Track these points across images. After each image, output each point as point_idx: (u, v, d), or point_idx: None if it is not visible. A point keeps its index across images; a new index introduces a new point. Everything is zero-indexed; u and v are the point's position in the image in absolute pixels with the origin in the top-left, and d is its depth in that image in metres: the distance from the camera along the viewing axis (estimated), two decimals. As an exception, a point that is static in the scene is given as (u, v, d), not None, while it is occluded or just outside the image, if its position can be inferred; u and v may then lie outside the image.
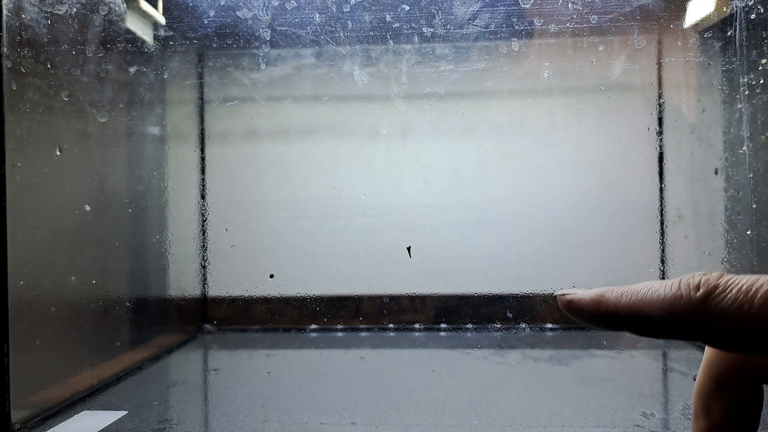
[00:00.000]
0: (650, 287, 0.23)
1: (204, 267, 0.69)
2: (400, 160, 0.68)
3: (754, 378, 0.23)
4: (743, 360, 0.23)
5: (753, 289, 0.20)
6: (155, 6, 0.63)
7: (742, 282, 0.21)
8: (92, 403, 0.49)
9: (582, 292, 0.25)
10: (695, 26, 0.61)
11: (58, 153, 0.50)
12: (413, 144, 0.67)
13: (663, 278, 0.64)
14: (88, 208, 0.54)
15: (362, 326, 0.71)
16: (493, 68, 0.61)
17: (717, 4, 0.58)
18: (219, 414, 0.46)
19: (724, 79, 0.60)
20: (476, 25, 0.58)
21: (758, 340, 0.20)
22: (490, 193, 0.69)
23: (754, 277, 0.21)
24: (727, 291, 0.21)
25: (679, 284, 0.22)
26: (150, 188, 0.66)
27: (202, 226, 0.68)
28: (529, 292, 0.64)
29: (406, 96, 0.62)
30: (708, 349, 0.24)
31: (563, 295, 0.26)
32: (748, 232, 0.55)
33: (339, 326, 0.72)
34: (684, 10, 0.61)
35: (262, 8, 0.59)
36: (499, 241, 0.69)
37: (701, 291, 0.21)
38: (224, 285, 0.68)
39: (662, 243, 0.65)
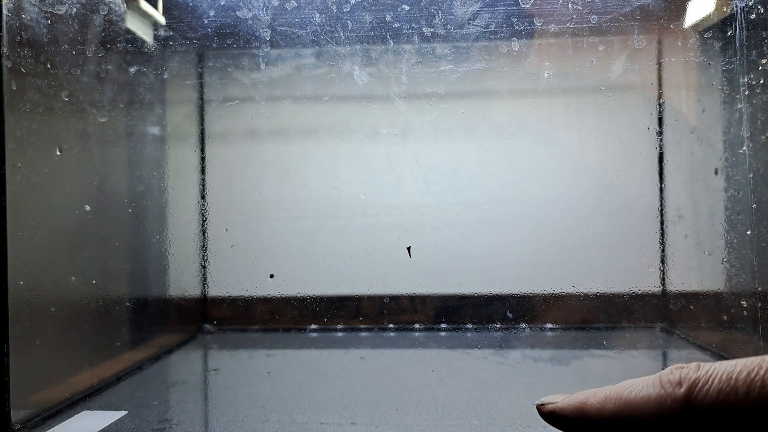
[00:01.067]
0: (632, 388, 0.23)
1: (204, 267, 0.69)
2: (400, 160, 0.68)
3: None
4: None
5: (734, 378, 0.20)
6: (155, 6, 0.63)
7: (721, 371, 0.21)
8: (92, 403, 0.49)
9: (562, 401, 0.25)
10: (695, 26, 0.61)
11: (58, 153, 0.50)
12: (413, 144, 0.67)
13: (663, 279, 0.64)
14: (88, 208, 0.54)
15: (362, 326, 0.71)
16: (493, 68, 0.61)
17: (717, 4, 0.58)
18: (219, 414, 0.46)
19: (724, 79, 0.60)
20: (476, 25, 0.58)
21: (750, 427, 0.20)
22: (490, 193, 0.69)
23: (729, 363, 0.21)
24: (709, 383, 0.21)
25: (660, 382, 0.22)
26: (150, 188, 0.66)
27: (202, 226, 0.68)
28: (529, 292, 0.64)
29: (406, 96, 0.62)
30: None
31: (543, 404, 0.25)
32: (748, 232, 0.55)
33: (339, 326, 0.72)
34: (684, 10, 0.61)
35: (262, 8, 0.59)
36: (499, 241, 0.69)
37: (684, 387, 0.21)
38: (224, 285, 0.68)
39: (662, 243, 0.65)
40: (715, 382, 0.21)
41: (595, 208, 0.66)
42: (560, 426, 0.25)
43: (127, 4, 0.59)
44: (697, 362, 0.22)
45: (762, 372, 0.20)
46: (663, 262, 0.64)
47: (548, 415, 0.25)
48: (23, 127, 0.45)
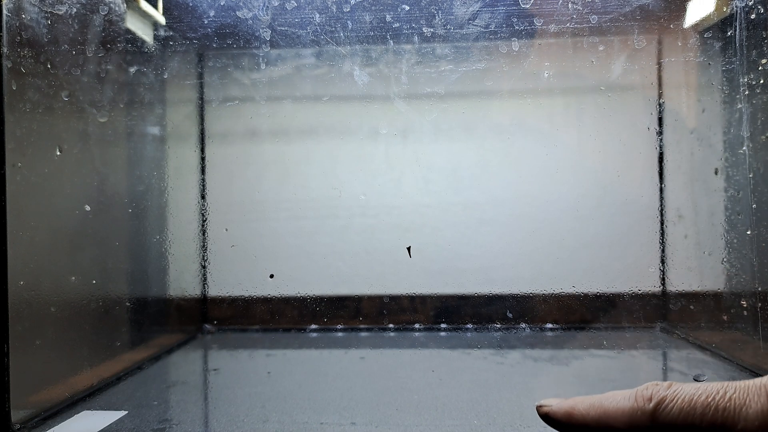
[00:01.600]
0: (613, 399, 0.26)
1: (204, 267, 0.69)
2: (400, 160, 0.68)
3: None
4: None
5: (694, 400, 0.23)
6: (155, 6, 0.63)
7: (686, 392, 0.23)
8: (92, 403, 0.49)
9: (556, 404, 0.28)
10: (695, 26, 0.61)
11: (58, 153, 0.50)
12: (413, 144, 0.67)
13: (663, 279, 0.64)
14: (88, 208, 0.54)
15: (362, 326, 0.71)
16: (493, 68, 0.61)
17: (717, 4, 0.58)
18: (219, 414, 0.46)
19: (724, 79, 0.60)
20: (476, 25, 0.58)
21: None
22: (490, 193, 0.69)
23: (694, 386, 0.23)
24: (674, 401, 0.23)
25: (635, 396, 0.24)
26: (150, 188, 0.66)
27: (202, 226, 0.68)
28: (529, 292, 0.64)
29: (406, 96, 0.62)
30: None
31: (541, 406, 0.29)
32: (748, 232, 0.55)
33: (339, 326, 0.72)
34: (684, 10, 0.61)
35: (262, 8, 0.59)
36: (499, 241, 0.69)
37: (652, 403, 0.24)
38: (224, 285, 0.68)
39: (662, 243, 0.65)
40: (678, 402, 0.23)
41: (595, 208, 0.66)
42: (554, 426, 0.28)
43: (127, 4, 0.59)
44: (671, 381, 0.24)
45: (718, 398, 0.22)
46: (663, 262, 0.64)
47: (543, 416, 0.28)
48: (23, 127, 0.45)
